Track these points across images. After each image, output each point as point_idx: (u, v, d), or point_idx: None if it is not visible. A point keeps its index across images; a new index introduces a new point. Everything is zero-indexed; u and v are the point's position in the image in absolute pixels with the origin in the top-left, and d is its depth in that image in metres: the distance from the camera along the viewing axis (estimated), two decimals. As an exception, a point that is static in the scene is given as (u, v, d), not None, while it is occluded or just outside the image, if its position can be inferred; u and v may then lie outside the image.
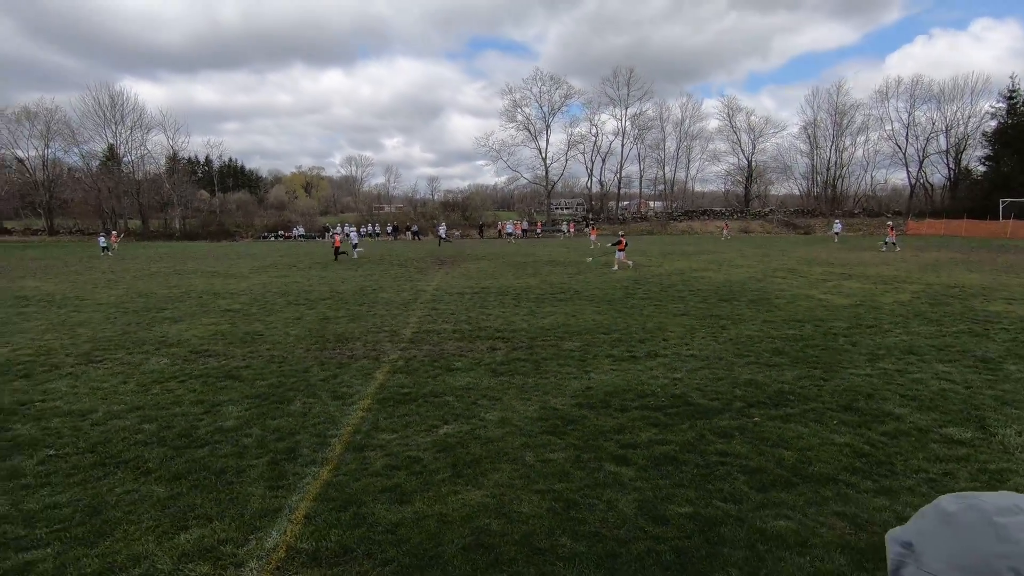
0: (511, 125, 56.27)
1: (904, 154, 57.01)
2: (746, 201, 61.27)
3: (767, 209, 58.31)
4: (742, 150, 61.83)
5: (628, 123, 59.26)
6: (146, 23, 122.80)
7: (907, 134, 56.51)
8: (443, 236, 40.98)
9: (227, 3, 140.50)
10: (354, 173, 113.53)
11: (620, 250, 20.78)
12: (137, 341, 9.44)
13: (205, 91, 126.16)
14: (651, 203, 79.26)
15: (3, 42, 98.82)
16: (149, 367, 7.87)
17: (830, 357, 7.87)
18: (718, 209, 59.46)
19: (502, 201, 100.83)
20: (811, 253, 27.19)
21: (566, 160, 57.54)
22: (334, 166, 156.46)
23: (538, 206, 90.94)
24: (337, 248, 26.58)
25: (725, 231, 45.64)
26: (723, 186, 68.41)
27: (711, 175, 69.74)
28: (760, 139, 60.52)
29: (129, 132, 53.61)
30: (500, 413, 5.74)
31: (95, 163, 56.62)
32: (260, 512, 3.88)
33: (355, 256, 27.62)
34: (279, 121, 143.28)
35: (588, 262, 22.26)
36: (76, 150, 54.03)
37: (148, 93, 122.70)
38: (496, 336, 9.56)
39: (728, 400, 6.06)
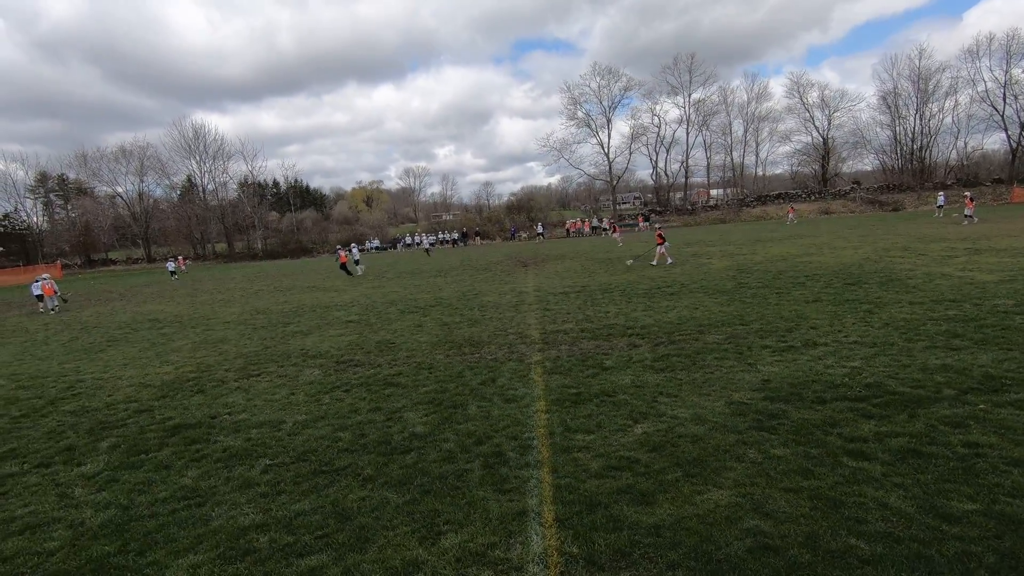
0: (572, 123, 55.80)
1: (1002, 116, 52.33)
2: (823, 180, 58.02)
3: (848, 187, 54.99)
4: (816, 127, 58.66)
5: (692, 110, 57.52)
6: (212, 59, 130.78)
7: (1004, 94, 51.85)
8: (428, 247, 40.45)
9: (283, 32, 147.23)
10: (412, 184, 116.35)
11: (660, 244, 19.92)
12: (281, 355, 9.86)
13: (268, 117, 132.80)
14: (711, 192, 76.95)
15: (89, 88, 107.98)
16: (305, 378, 8.18)
17: (1020, 337, 7.17)
18: (794, 191, 56.62)
19: (558, 200, 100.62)
20: (916, 230, 25.33)
21: (630, 153, 56.45)
22: (391, 179, 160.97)
23: (593, 202, 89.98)
24: (343, 264, 26.91)
25: (791, 215, 42.77)
26: (790, 167, 65.12)
27: (779, 157, 66.52)
28: (836, 114, 57.13)
29: (212, 161, 57.15)
30: (689, 410, 5.54)
31: (176, 193, 61.04)
32: (505, 516, 3.86)
33: (359, 272, 27.18)
34: (337, 140, 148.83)
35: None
36: (167, 182, 58.08)
37: (217, 124, 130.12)
38: (628, 333, 9.36)
39: (934, 387, 5.60)
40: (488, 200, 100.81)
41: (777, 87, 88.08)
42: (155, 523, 4.18)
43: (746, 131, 60.13)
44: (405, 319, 12.63)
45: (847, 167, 62.24)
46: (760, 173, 64.37)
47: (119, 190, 58.68)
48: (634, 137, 55.80)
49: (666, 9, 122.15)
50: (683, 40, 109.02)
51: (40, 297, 22.39)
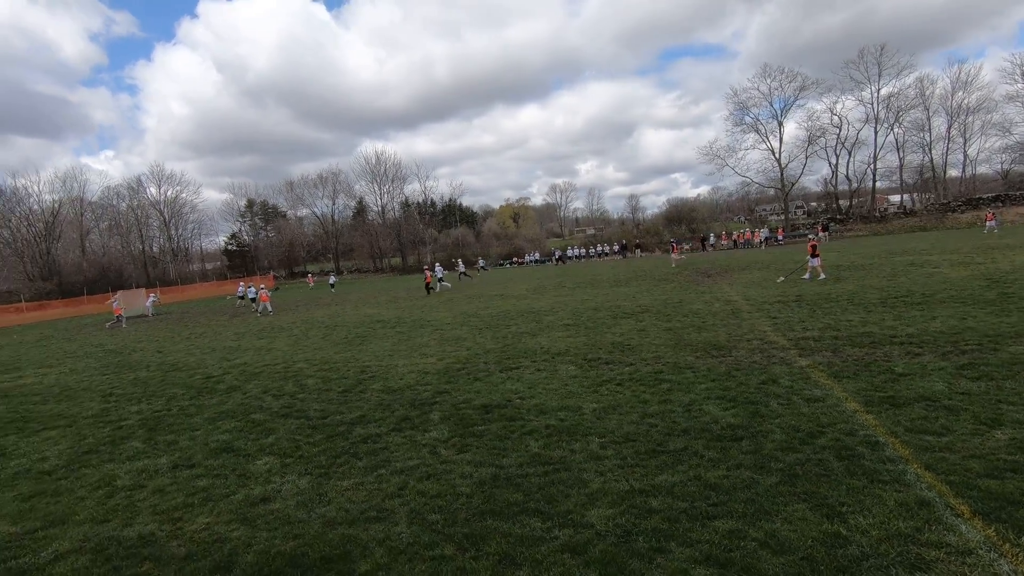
0: (738, 128, 53.11)
1: None
2: (1060, 179, 48.43)
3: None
4: (1048, 116, 49.26)
5: (880, 107, 51.60)
6: (378, 92, 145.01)
7: None
8: (464, 271, 38.39)
9: (439, 63, 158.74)
10: (557, 200, 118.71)
11: (814, 256, 18.64)
12: (524, 351, 10.64)
13: (423, 142, 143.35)
14: (896, 197, 69.15)
15: (281, 127, 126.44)
16: (565, 372, 8.74)
17: None
18: (1017, 193, 47.99)
19: (711, 212, 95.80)
20: None
21: (806, 158, 52.06)
22: (534, 195, 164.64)
23: (749, 213, 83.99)
24: (428, 284, 28.32)
25: (990, 222, 35.41)
26: (1000, 165, 54.96)
27: (989, 153, 56.58)
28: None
29: (390, 183, 63.62)
30: (1055, 419, 5.01)
31: (350, 213, 68.80)
32: (906, 504, 3.81)
33: (439, 289, 28.58)
34: (483, 160, 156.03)
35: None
36: (353, 203, 65.84)
37: (381, 150, 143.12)
38: (894, 341, 8.67)
39: None
40: (633, 213, 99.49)
41: (987, 72, 74.52)
42: (537, 481, 4.77)
43: (950, 126, 52.42)
44: (621, 324, 12.92)
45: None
46: (968, 173, 55.59)
47: (316, 211, 67.70)
48: (811, 140, 51.43)
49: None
50: (855, 31, 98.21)
51: (253, 299, 28.09)
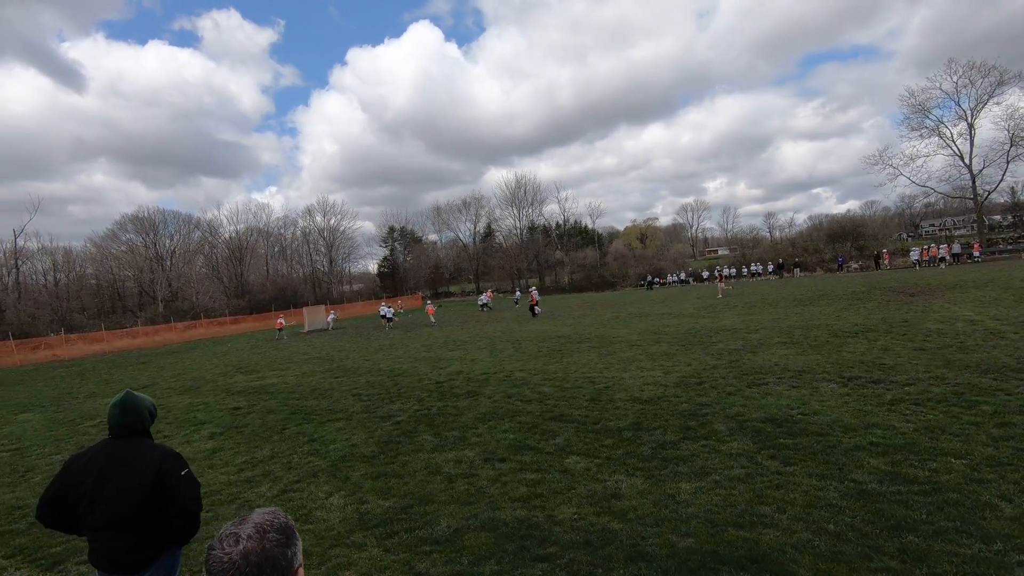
0: (915, 133, 47.41)
1: None
2: None
3: None
4: None
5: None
6: (504, 121, 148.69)
7: None
8: (485, 302, 37.80)
9: (563, 89, 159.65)
10: (688, 219, 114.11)
11: None
12: (758, 367, 10.07)
13: (546, 167, 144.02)
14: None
15: (416, 158, 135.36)
16: (829, 390, 8.08)
17: None
18: None
19: (881, 226, 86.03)
20: None
21: (1007, 162, 44.89)
22: (657, 216, 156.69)
23: (912, 228, 74.15)
24: (534, 305, 29.32)
25: None
26: None
27: None
28: None
29: (529, 205, 65.44)
30: None
31: (479, 238, 71.31)
32: None
33: (538, 311, 29.16)
34: (605, 182, 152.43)
35: None
36: (494, 226, 68.57)
37: (505, 177, 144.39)
38: None
39: None
40: (771, 231, 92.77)
41: None
42: (923, 500, 4.34)
43: None
44: (850, 343, 11.82)
45: None
46: None
47: (460, 235, 71.57)
48: (1012, 142, 44.31)
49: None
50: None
51: (388, 319, 31.15)
